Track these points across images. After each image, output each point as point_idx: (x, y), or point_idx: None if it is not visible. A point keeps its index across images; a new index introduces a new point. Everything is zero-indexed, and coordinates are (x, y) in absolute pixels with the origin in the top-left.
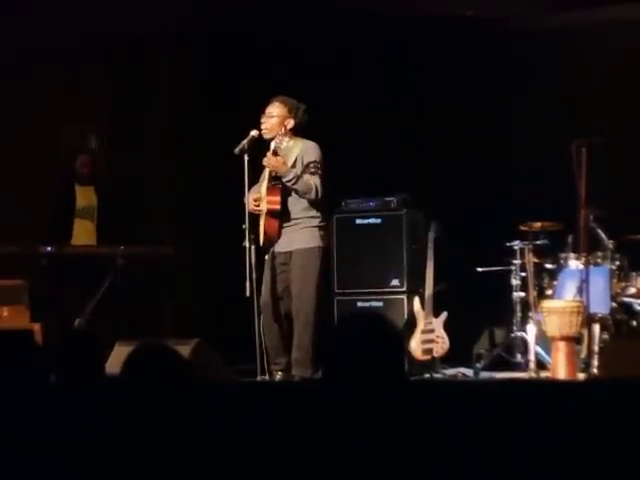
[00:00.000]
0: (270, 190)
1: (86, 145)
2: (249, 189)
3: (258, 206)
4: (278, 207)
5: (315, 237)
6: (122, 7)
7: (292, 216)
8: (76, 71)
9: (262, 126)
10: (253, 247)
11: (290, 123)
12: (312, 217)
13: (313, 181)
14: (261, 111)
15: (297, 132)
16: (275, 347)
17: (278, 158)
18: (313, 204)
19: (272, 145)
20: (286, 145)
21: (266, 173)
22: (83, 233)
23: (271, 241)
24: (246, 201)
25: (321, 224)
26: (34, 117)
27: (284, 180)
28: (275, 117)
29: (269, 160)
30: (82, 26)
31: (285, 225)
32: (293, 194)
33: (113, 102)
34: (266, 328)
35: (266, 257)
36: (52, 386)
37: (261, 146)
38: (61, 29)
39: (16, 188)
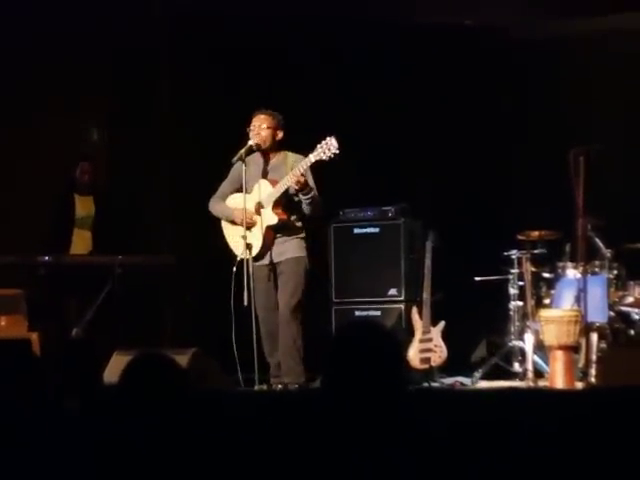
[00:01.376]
0: (276, 202)
1: (87, 141)
2: (245, 198)
3: (251, 219)
4: (286, 217)
5: (302, 247)
6: (122, 6)
7: (286, 227)
8: (76, 72)
9: (256, 138)
10: (250, 257)
11: (279, 135)
12: (300, 228)
13: (319, 199)
14: (246, 125)
15: (282, 145)
16: (277, 363)
17: (306, 179)
18: (307, 216)
19: (303, 165)
20: (278, 159)
21: (263, 185)
22: (82, 243)
23: (265, 252)
24: (226, 213)
25: (305, 235)
26: (34, 122)
27: (303, 198)
28: (268, 129)
29: (300, 180)
30: (83, 26)
31: (277, 236)
32: (291, 206)
33: (113, 103)
34: (270, 347)
35: (256, 270)
36: (50, 395)
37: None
38: (61, 29)
39: (14, 197)
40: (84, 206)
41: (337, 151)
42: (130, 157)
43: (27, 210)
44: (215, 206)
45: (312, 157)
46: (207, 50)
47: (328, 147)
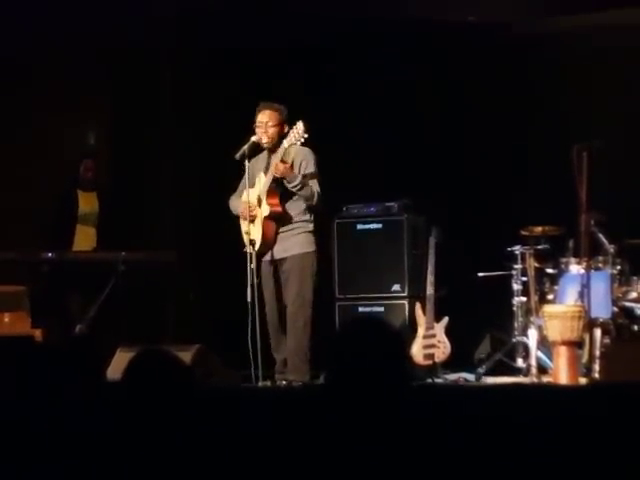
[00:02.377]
0: (270, 193)
1: (88, 143)
2: (248, 194)
3: (252, 211)
4: (280, 209)
5: (310, 242)
6: (123, 7)
7: (289, 220)
8: (77, 73)
9: (263, 137)
10: (254, 252)
11: (285, 129)
12: (307, 222)
13: (315, 187)
14: (252, 120)
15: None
16: (283, 360)
17: (286, 165)
18: (310, 209)
19: (280, 152)
20: (283, 150)
21: (262, 178)
22: (85, 239)
23: (268, 246)
24: (238, 208)
25: (314, 229)
26: (34, 121)
27: (290, 185)
28: (275, 126)
29: (278, 167)
30: (83, 26)
31: (281, 230)
32: (291, 198)
33: (114, 104)
34: (276, 343)
35: (262, 266)
36: (53, 392)
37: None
38: (61, 29)
39: (17, 194)
40: (87, 202)
41: (306, 135)
42: (132, 155)
43: (29, 207)
44: (232, 203)
45: (285, 143)
46: (207, 50)
47: (298, 131)
